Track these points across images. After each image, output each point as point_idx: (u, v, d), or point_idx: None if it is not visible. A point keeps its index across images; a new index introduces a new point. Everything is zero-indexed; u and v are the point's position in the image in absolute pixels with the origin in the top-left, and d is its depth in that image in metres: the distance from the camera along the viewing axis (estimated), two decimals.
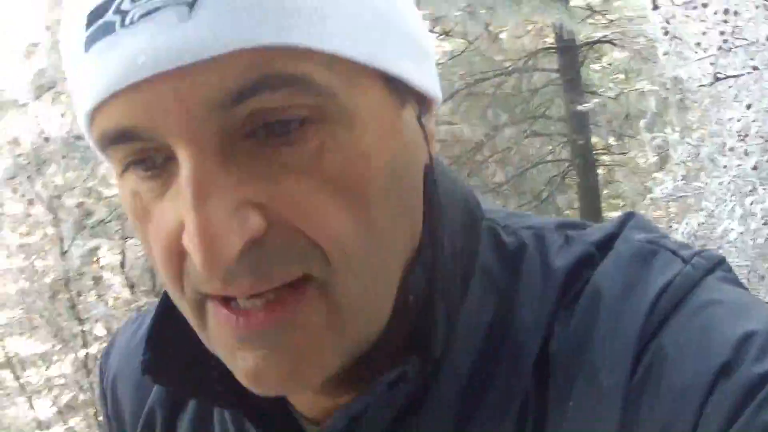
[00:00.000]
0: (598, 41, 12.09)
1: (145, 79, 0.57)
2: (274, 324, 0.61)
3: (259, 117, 0.58)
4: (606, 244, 0.73)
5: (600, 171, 12.75)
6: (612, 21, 12.31)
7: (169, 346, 0.75)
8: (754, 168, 4.75)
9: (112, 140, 0.61)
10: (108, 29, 0.58)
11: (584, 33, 12.18)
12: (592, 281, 0.70)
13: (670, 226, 6.96)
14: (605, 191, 13.62)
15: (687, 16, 4.77)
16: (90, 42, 0.59)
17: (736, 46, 4.61)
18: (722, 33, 4.54)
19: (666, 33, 5.06)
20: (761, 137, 4.68)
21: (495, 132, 11.90)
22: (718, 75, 4.66)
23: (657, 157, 7.04)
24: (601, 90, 12.63)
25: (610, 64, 13.48)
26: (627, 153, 12.33)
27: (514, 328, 0.71)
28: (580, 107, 7.72)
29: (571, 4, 11.27)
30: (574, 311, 0.69)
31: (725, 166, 5.34)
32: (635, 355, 0.64)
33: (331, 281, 0.62)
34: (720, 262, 0.70)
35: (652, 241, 0.72)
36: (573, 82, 11.30)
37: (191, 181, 0.57)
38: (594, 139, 12.66)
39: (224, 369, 0.70)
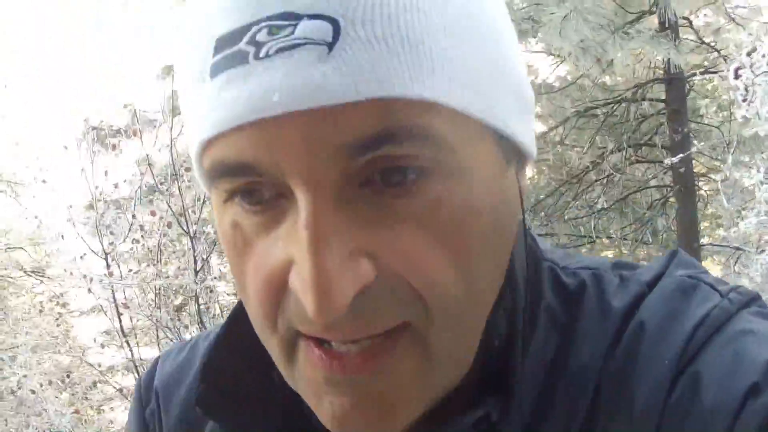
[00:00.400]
0: (705, 71, 12.04)
1: (274, 116, 0.55)
2: (368, 371, 0.60)
3: (379, 164, 0.57)
4: (656, 283, 0.75)
5: (703, 192, 12.62)
6: (720, 51, 11.98)
7: (225, 380, 0.74)
8: None
9: (227, 172, 0.59)
10: (240, 59, 0.56)
11: (693, 62, 11.94)
12: (638, 315, 0.71)
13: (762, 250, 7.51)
14: (709, 210, 13.41)
15: (759, 85, 5.31)
16: (217, 69, 0.57)
17: None
18: None
19: (744, 100, 5.58)
20: None
21: (601, 158, 11.95)
22: None
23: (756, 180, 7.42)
24: (707, 118, 12.57)
25: (716, 89, 13.37)
26: (727, 180, 12.26)
27: (572, 365, 0.71)
28: (667, 161, 7.97)
29: (681, 35, 11.10)
30: (619, 344, 0.71)
31: None
32: (672, 379, 0.66)
33: (427, 331, 0.61)
34: (755, 298, 0.72)
35: (692, 276, 0.74)
36: (678, 112, 11.28)
37: (310, 224, 0.56)
38: (697, 164, 12.51)
39: (284, 407, 0.74)
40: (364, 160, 0.56)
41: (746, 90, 5.61)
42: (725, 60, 11.06)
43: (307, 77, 0.54)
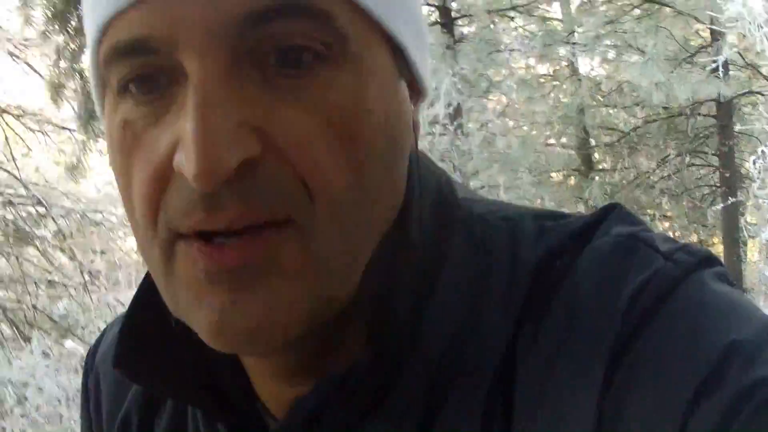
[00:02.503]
0: (749, 92, 14.16)
1: None
2: (249, 260, 0.57)
3: (274, 43, 0.57)
4: (582, 235, 0.67)
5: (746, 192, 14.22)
6: (760, 70, 13.80)
7: (143, 339, 0.70)
8: None
9: (122, 52, 0.58)
10: None
11: (740, 77, 14.09)
12: (568, 279, 0.64)
13: None
14: (750, 202, 14.46)
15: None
16: None
17: None
18: None
19: (758, 178, 8.23)
20: None
21: (663, 162, 14.51)
22: None
23: None
24: (749, 123, 14.15)
25: (757, 103, 14.90)
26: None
27: (481, 324, 0.65)
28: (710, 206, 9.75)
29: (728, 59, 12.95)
30: (545, 311, 0.63)
31: None
32: (611, 361, 0.58)
33: (312, 227, 0.58)
34: (707, 257, 0.62)
35: (632, 236, 0.64)
36: (726, 128, 13.58)
37: (198, 90, 0.55)
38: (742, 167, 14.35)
39: (196, 364, 0.70)
40: (259, 36, 0.56)
41: (759, 173, 8.21)
42: (766, 78, 13.66)
43: None
